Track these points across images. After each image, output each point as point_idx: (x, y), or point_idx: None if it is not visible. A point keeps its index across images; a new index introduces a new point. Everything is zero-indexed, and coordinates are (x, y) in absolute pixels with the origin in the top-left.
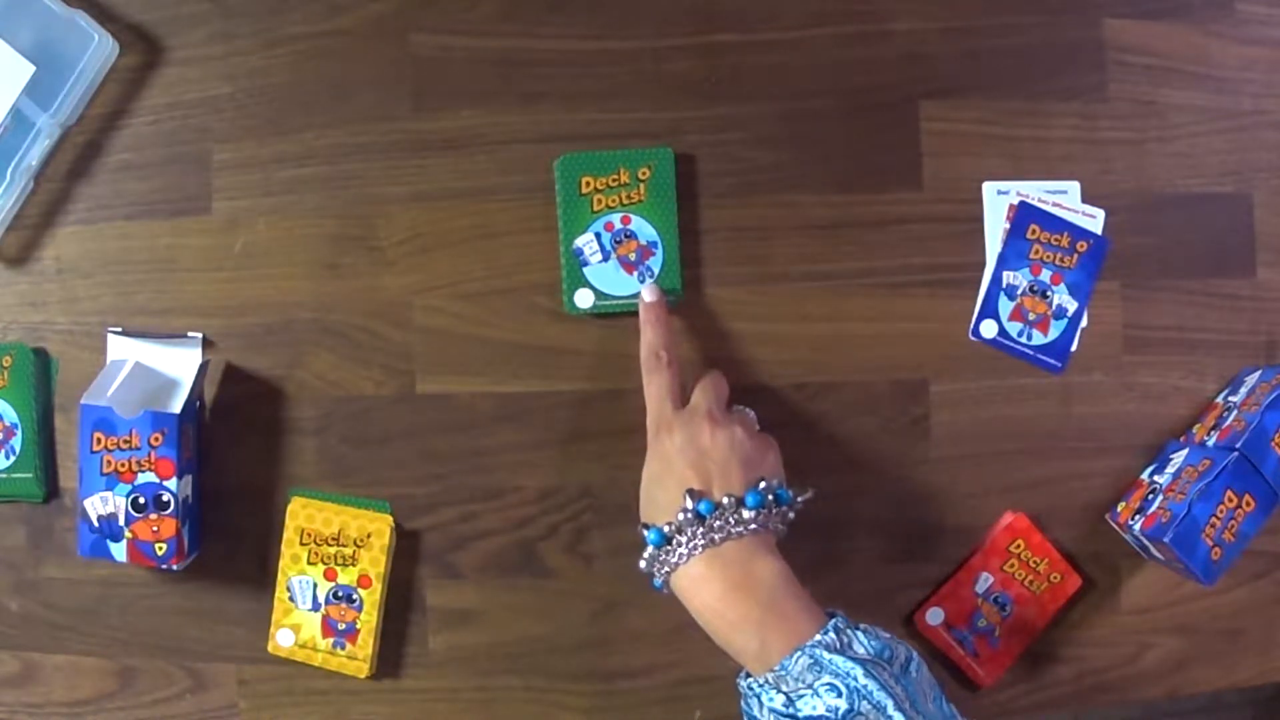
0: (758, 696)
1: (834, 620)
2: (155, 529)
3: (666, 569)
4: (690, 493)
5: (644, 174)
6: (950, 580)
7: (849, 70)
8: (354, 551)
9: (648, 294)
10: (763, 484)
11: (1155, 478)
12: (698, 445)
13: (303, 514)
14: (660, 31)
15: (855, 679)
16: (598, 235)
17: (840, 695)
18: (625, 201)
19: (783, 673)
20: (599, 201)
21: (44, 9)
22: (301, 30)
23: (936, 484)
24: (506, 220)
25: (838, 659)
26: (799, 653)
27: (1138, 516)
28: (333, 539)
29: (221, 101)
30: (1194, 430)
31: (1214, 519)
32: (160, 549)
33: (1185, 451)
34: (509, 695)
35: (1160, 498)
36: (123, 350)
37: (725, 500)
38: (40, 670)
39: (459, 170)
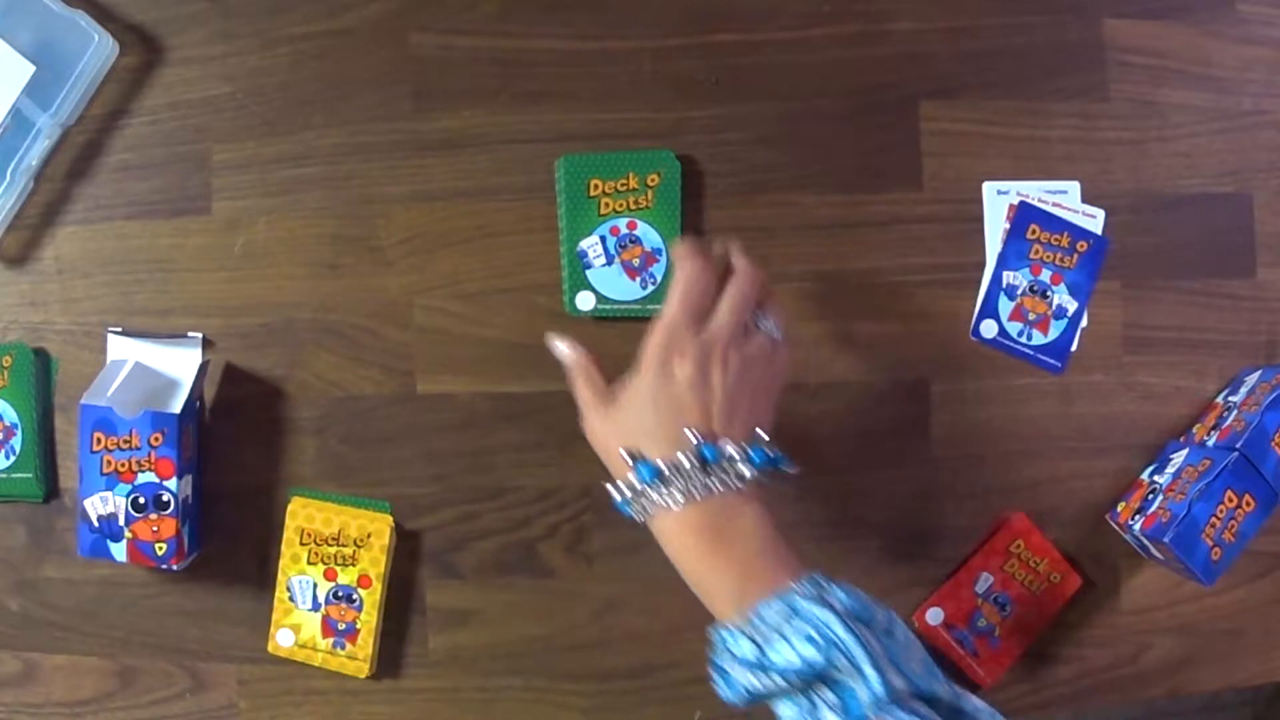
0: (728, 646)
1: (814, 574)
2: (155, 529)
3: (651, 508)
4: (694, 431)
5: (653, 180)
6: (950, 580)
7: (849, 70)
8: (354, 551)
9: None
10: (765, 441)
11: (1155, 478)
12: (709, 380)
13: (303, 514)
14: (660, 31)
15: (832, 630)
16: (603, 239)
17: (815, 646)
18: (633, 207)
19: (757, 620)
20: (606, 205)
21: (44, 9)
22: (301, 30)
23: (936, 484)
24: (506, 220)
25: (815, 608)
26: (776, 600)
27: (1138, 516)
28: (333, 539)
29: (221, 101)
30: (1194, 430)
31: (1214, 519)
32: (160, 549)
33: (1185, 451)
34: (509, 695)
35: (1160, 498)
36: (123, 350)
37: (731, 450)
38: (40, 670)
39: (459, 170)
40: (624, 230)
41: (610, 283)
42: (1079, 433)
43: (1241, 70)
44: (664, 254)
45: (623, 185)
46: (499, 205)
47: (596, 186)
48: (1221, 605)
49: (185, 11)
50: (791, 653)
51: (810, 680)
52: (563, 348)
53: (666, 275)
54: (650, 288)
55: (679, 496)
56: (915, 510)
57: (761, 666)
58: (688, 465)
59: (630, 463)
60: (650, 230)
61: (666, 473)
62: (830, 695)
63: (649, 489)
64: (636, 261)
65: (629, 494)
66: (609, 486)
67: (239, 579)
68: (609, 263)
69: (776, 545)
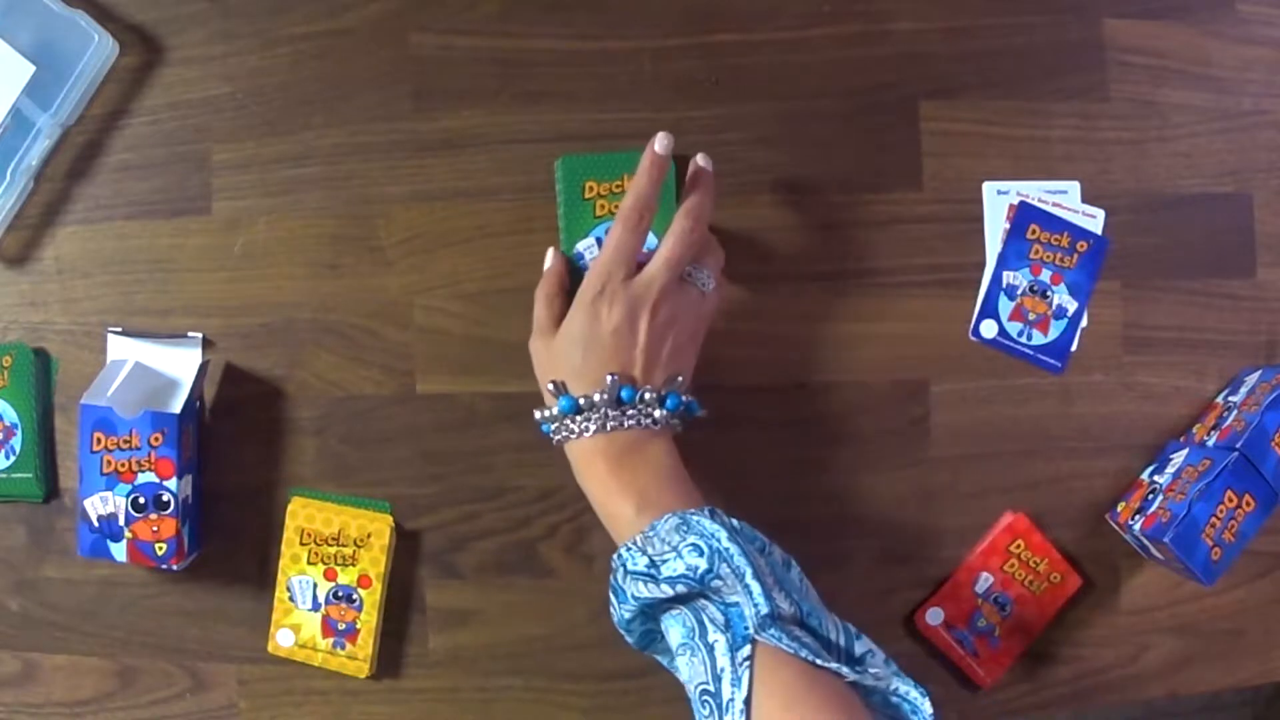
0: (624, 564)
1: (712, 507)
2: (155, 529)
3: (566, 434)
4: (614, 376)
5: None
6: (950, 580)
7: (849, 70)
8: (354, 551)
9: (660, 144)
10: (682, 385)
11: (1155, 478)
12: (634, 328)
13: (303, 514)
14: (660, 31)
15: (719, 540)
16: (599, 240)
17: (701, 555)
18: None
19: (651, 534)
20: (601, 207)
21: (44, 9)
22: (301, 30)
23: (936, 484)
24: (506, 220)
25: (705, 521)
26: (671, 516)
27: (1138, 516)
28: (333, 539)
29: (221, 101)
30: (1194, 430)
31: (1214, 519)
32: (160, 549)
33: (1185, 451)
34: (509, 695)
35: (1160, 498)
36: (123, 350)
37: (647, 395)
38: (40, 670)
39: (459, 170)
40: None
41: None
42: (1079, 433)
43: (1241, 70)
44: None
45: (617, 187)
46: (499, 205)
47: (591, 188)
48: (1221, 605)
49: (185, 11)
50: (679, 562)
51: (697, 592)
52: (549, 261)
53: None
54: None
55: (591, 427)
56: (915, 510)
57: (652, 577)
58: (602, 403)
59: (555, 394)
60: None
61: (583, 406)
62: (716, 613)
63: (565, 418)
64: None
65: (549, 418)
66: (536, 412)
67: (239, 579)
68: None
69: (679, 477)
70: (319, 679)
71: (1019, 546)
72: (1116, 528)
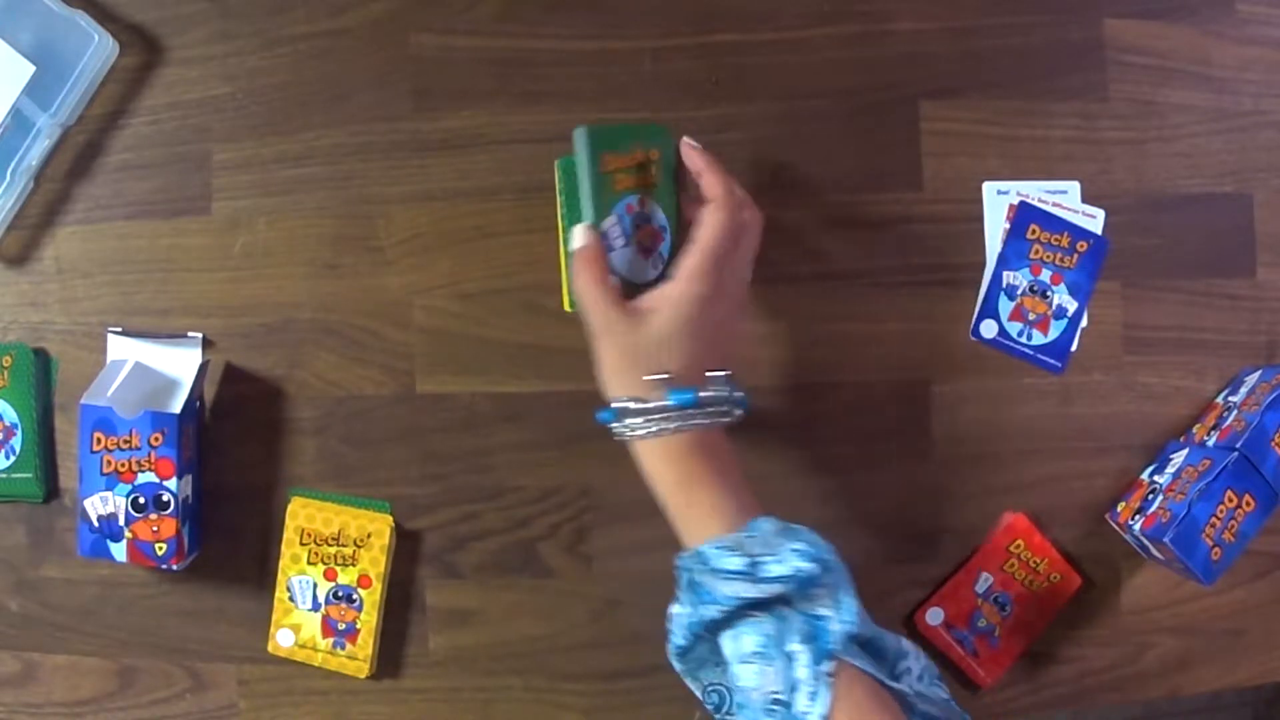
0: (705, 562)
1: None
2: (155, 529)
3: (660, 428)
4: (723, 371)
5: (654, 155)
6: (950, 580)
7: (849, 70)
8: (354, 551)
9: (579, 239)
10: (734, 383)
11: (1155, 478)
12: (728, 327)
13: (303, 514)
14: (660, 31)
15: (824, 552)
16: (620, 218)
17: (808, 561)
18: (643, 184)
19: (751, 535)
20: (620, 181)
21: (44, 9)
22: (301, 30)
23: (936, 484)
24: (506, 220)
25: (805, 530)
26: (769, 519)
27: (1138, 516)
28: (333, 539)
29: (221, 101)
30: (1194, 430)
31: (1214, 519)
32: (160, 549)
33: (1185, 451)
34: (509, 695)
35: (1160, 498)
36: (123, 350)
37: (737, 393)
38: (40, 670)
39: (459, 170)
40: (638, 208)
41: (628, 264)
42: (1079, 433)
43: (1241, 70)
44: (668, 232)
45: (632, 161)
46: (499, 205)
47: (609, 162)
48: (1221, 605)
49: (185, 11)
50: (782, 566)
51: (781, 599)
52: (584, 239)
53: (672, 252)
54: (660, 267)
55: (703, 421)
56: (915, 510)
57: (750, 575)
58: (711, 398)
59: (658, 387)
60: (657, 208)
61: (703, 401)
62: (800, 623)
63: (673, 412)
64: (648, 241)
65: (651, 410)
66: (630, 403)
67: (239, 579)
68: (627, 243)
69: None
70: (319, 679)
71: (1019, 546)
72: (1116, 528)
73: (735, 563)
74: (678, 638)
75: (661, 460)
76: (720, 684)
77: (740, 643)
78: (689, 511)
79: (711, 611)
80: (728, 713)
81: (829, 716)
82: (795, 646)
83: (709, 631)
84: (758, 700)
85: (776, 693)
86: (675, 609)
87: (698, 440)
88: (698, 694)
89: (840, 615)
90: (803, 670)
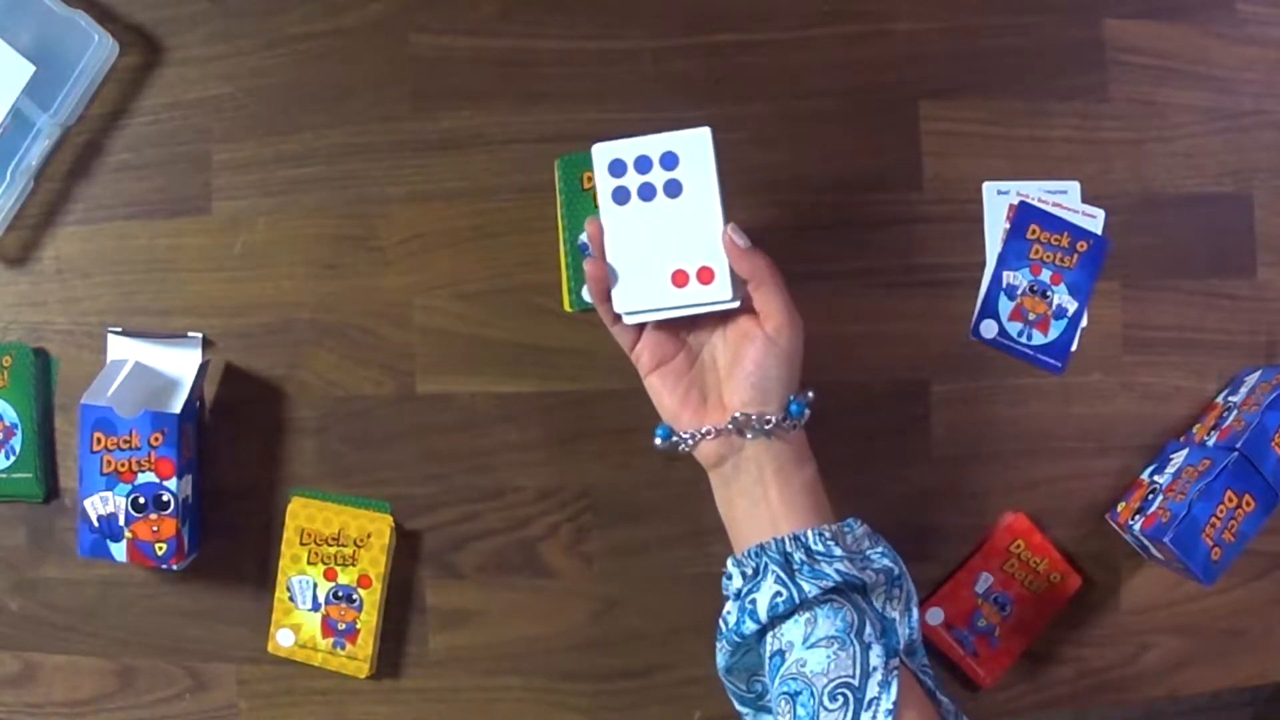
0: (810, 545)
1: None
2: (155, 529)
3: (752, 434)
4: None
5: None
6: (950, 580)
7: (849, 70)
8: (354, 551)
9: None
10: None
11: (1155, 478)
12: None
13: (303, 514)
14: (660, 31)
15: (900, 559)
16: None
17: (894, 561)
18: None
19: (847, 529)
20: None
21: (44, 9)
22: (301, 30)
23: (936, 484)
24: (506, 220)
25: (886, 542)
26: (859, 521)
27: (1138, 516)
28: (333, 539)
29: (221, 101)
30: (1194, 430)
31: (1214, 519)
32: (160, 549)
33: (1185, 451)
34: (509, 695)
35: (1160, 498)
36: (123, 350)
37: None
38: (40, 670)
39: (459, 170)
40: None
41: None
42: (1079, 433)
43: (1241, 70)
44: None
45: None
46: (499, 205)
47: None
48: (1221, 605)
49: (185, 11)
50: (884, 559)
51: (875, 592)
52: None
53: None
54: None
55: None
56: (915, 510)
57: (861, 556)
58: (788, 415)
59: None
60: None
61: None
62: (876, 618)
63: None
64: None
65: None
66: (754, 415)
67: (239, 579)
68: None
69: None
70: (319, 679)
71: (1019, 546)
72: (1116, 528)
73: (837, 550)
74: (748, 622)
75: (748, 471)
76: (761, 676)
77: (817, 626)
78: (785, 503)
79: (812, 588)
80: (760, 705)
81: (899, 704)
82: (871, 637)
83: (784, 616)
84: (823, 686)
85: (848, 678)
86: (757, 594)
87: (789, 445)
88: (738, 685)
89: (909, 620)
90: (876, 659)
